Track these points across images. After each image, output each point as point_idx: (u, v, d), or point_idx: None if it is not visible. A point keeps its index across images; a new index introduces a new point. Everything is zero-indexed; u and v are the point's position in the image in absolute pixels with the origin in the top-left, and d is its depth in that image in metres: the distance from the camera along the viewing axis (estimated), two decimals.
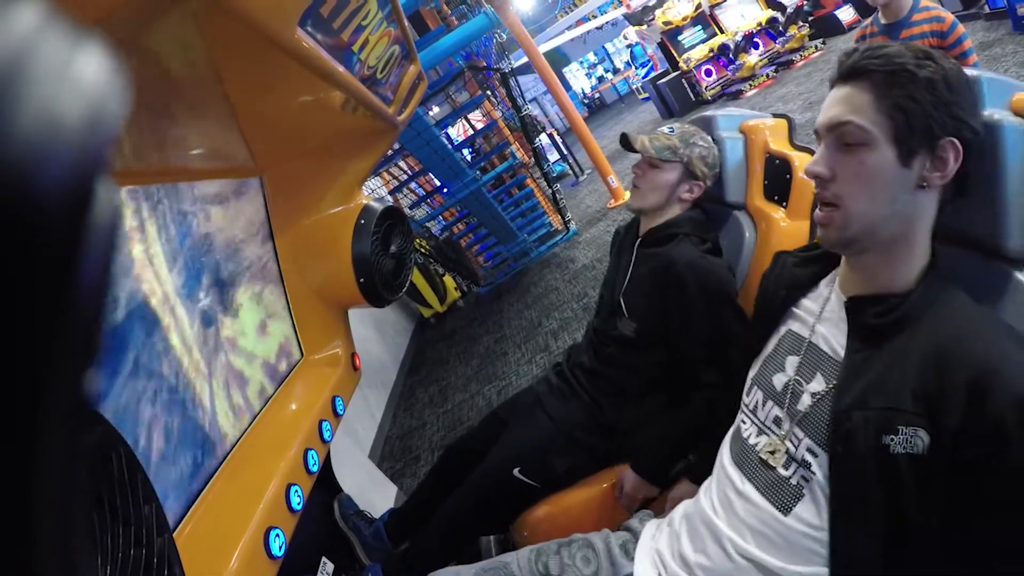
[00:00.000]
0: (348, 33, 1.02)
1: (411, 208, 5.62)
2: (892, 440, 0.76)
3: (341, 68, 1.00)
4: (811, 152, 1.43)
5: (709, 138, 1.56)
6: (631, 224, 1.70)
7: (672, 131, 1.55)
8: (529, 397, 1.76)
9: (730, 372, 1.31)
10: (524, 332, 4.76)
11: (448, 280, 6.36)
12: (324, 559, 1.62)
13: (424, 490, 1.83)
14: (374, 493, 2.84)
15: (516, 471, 1.55)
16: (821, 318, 0.96)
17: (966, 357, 0.74)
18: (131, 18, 0.68)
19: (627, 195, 7.05)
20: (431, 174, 5.27)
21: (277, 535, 1.13)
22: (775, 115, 1.57)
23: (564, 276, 5.57)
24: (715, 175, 1.56)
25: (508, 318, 5.28)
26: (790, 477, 0.90)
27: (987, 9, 6.03)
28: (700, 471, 1.40)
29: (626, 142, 1.58)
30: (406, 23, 1.36)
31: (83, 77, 0.14)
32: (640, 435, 1.52)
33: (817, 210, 0.89)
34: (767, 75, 9.25)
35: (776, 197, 1.48)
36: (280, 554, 1.12)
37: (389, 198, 5.41)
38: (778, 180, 1.47)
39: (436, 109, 7.61)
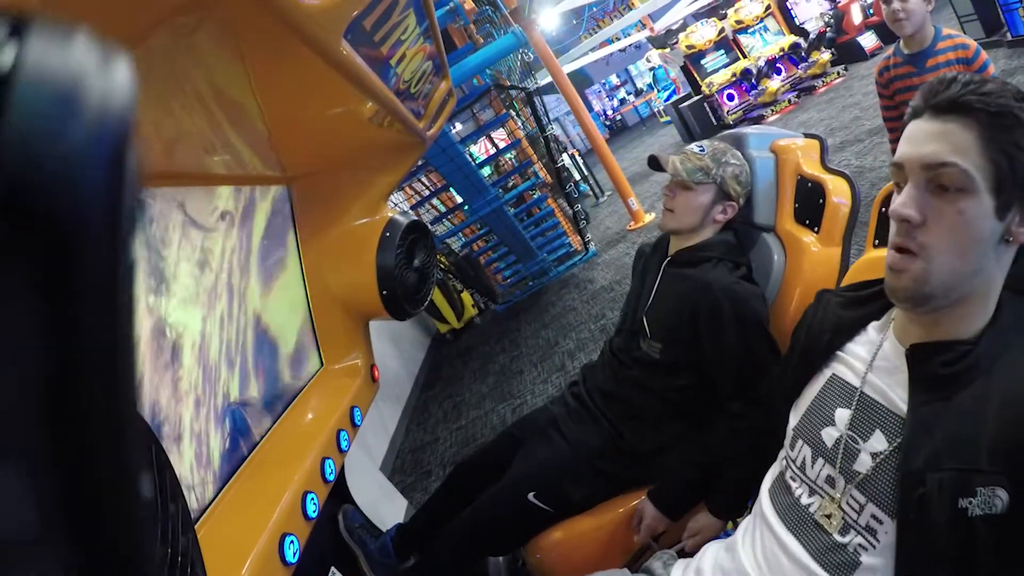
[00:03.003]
0: (388, 47, 1.03)
1: (432, 224, 5.66)
2: (970, 503, 0.70)
3: (379, 81, 1.01)
4: (844, 176, 1.39)
5: (740, 154, 1.51)
6: (658, 243, 1.65)
7: (703, 150, 1.49)
8: (544, 417, 1.71)
9: (758, 404, 1.27)
10: (540, 351, 4.75)
11: (466, 297, 6.38)
12: (333, 569, 1.61)
13: (433, 506, 1.79)
14: (384, 506, 2.83)
15: (531, 495, 1.51)
16: (873, 367, 0.89)
17: None
18: (175, 27, 0.70)
19: (647, 217, 7.05)
20: (453, 190, 5.31)
21: (292, 541, 1.13)
22: (807, 135, 1.52)
23: (582, 296, 5.56)
24: (748, 193, 1.51)
25: (525, 337, 5.27)
26: (847, 544, 0.84)
27: (1009, 36, 5.99)
28: (719, 504, 1.37)
29: (655, 163, 1.54)
30: (441, 40, 1.38)
31: (113, 83, 0.18)
32: (660, 464, 1.48)
33: (890, 253, 0.80)
34: (789, 100, 9.24)
35: (807, 221, 1.44)
36: (294, 560, 1.12)
37: (411, 213, 5.46)
38: (810, 204, 1.43)
39: (460, 126, 7.68)
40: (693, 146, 1.52)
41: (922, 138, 0.77)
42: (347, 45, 0.85)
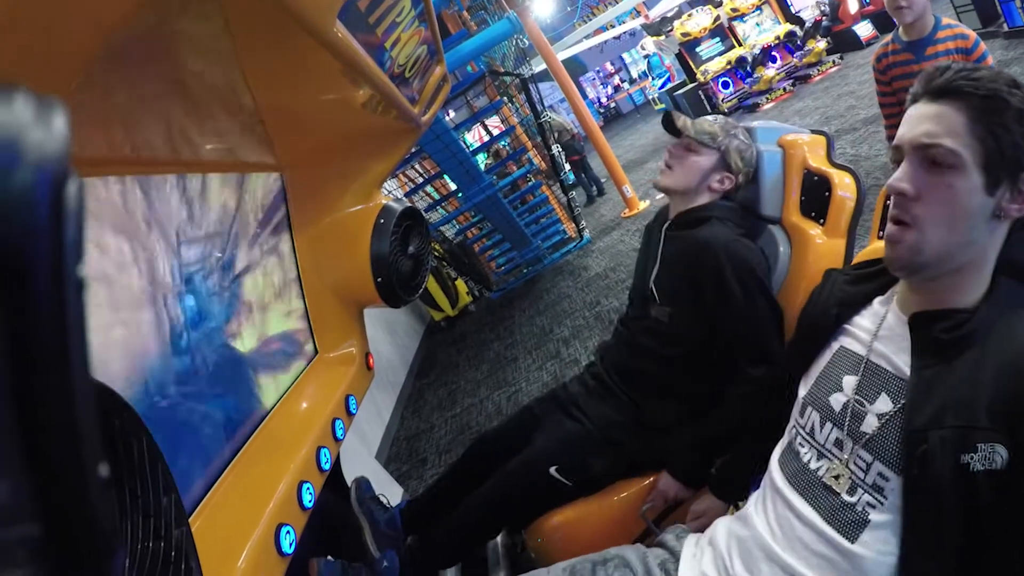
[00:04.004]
0: (382, 30, 1.01)
1: (426, 211, 5.62)
2: (971, 458, 0.74)
3: (374, 64, 0.99)
4: (850, 171, 1.43)
5: (750, 136, 1.55)
6: (659, 213, 1.68)
7: (715, 120, 1.54)
8: (564, 395, 1.73)
9: (772, 363, 1.30)
10: (535, 339, 4.75)
11: (460, 284, 6.36)
12: (329, 557, 1.61)
13: (447, 480, 1.80)
14: (380, 494, 2.82)
15: (553, 469, 1.52)
16: (878, 336, 0.94)
17: None
18: (162, 8, 0.68)
19: (642, 205, 7.04)
20: (447, 178, 5.28)
21: (288, 532, 1.12)
22: (813, 131, 1.56)
23: (577, 284, 5.56)
24: (748, 173, 1.54)
25: (519, 324, 5.27)
26: (856, 503, 0.87)
27: (1006, 27, 6.01)
28: (723, 486, 1.39)
29: (669, 121, 1.56)
30: (436, 24, 1.36)
31: (50, 131, 0.21)
32: (674, 436, 1.50)
33: (888, 225, 0.85)
34: (784, 89, 9.22)
35: (813, 213, 1.47)
36: (291, 551, 1.11)
37: (405, 200, 5.43)
38: (816, 196, 1.46)
39: (453, 113, 7.63)
40: (708, 116, 1.57)
41: (917, 120, 0.83)
42: (341, 27, 0.83)
